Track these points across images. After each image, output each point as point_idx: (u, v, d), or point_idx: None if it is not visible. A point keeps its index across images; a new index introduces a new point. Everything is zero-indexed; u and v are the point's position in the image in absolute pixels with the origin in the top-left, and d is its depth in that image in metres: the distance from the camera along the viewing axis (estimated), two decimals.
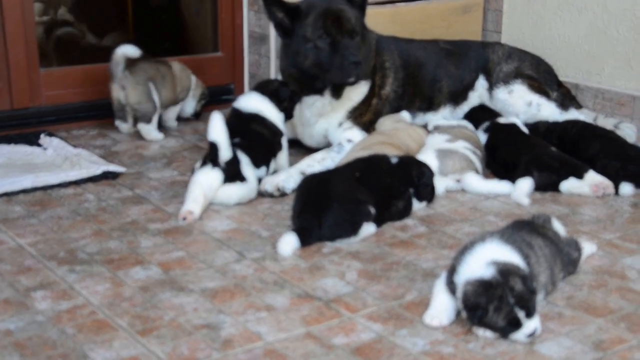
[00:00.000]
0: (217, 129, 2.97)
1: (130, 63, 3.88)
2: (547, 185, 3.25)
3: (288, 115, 3.47)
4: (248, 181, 3.10)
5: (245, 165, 3.10)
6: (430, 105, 3.84)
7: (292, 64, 3.49)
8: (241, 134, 3.20)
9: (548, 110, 3.78)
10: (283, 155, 3.41)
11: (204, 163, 3.04)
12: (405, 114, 3.64)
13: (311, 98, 3.55)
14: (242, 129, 3.24)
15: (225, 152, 3.00)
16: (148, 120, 3.92)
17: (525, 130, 3.59)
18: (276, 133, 3.36)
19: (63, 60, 4.59)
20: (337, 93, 3.54)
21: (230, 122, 3.16)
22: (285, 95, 3.42)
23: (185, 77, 4.13)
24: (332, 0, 3.47)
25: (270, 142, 3.32)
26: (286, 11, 3.44)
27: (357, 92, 3.59)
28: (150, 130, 3.93)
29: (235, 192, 3.07)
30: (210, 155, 3.01)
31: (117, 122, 4.00)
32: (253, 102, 3.37)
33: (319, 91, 3.52)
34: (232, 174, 3.05)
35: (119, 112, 3.96)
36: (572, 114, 3.79)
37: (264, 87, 3.44)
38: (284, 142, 3.41)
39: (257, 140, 3.25)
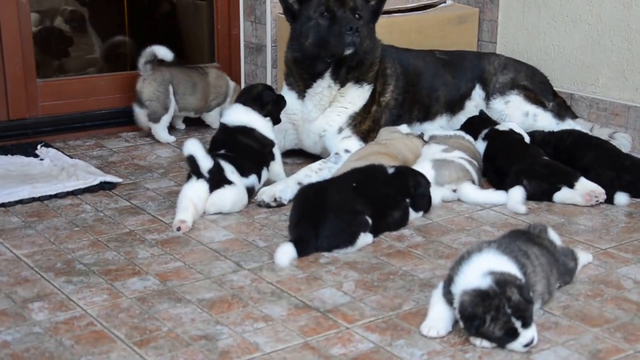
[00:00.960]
0: (189, 143, 3.00)
1: (160, 63, 4.01)
2: (539, 193, 3.27)
3: (274, 119, 3.42)
4: (236, 185, 3.10)
5: (230, 172, 3.10)
6: (427, 114, 3.87)
7: (297, 48, 3.54)
8: (227, 145, 3.22)
9: (545, 121, 3.80)
10: (276, 165, 3.40)
11: (188, 177, 3.07)
12: (404, 127, 3.65)
13: (314, 88, 3.57)
14: (228, 142, 3.25)
15: (204, 162, 3.01)
16: (156, 120, 4.00)
17: (523, 134, 3.60)
18: (265, 144, 3.33)
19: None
20: (337, 77, 3.54)
21: (218, 137, 3.26)
22: (268, 99, 3.38)
23: (222, 84, 4.21)
24: None
25: (259, 152, 3.31)
26: None
27: (359, 96, 3.61)
28: (157, 131, 4.02)
29: (226, 196, 3.08)
30: (191, 168, 3.03)
31: (134, 105, 4.06)
32: (237, 115, 3.34)
33: (321, 74, 3.54)
34: (217, 180, 3.06)
35: (139, 101, 4.05)
36: (569, 124, 3.81)
37: (246, 96, 3.41)
38: (276, 151, 3.40)
39: (243, 152, 3.23)
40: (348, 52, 3.43)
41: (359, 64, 3.55)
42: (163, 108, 4.00)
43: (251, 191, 3.22)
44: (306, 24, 3.49)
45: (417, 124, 3.83)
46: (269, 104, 3.38)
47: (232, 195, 3.09)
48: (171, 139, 4.06)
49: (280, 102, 3.45)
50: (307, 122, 3.66)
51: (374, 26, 3.62)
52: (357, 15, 3.47)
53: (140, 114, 4.05)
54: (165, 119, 4.03)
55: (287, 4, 3.55)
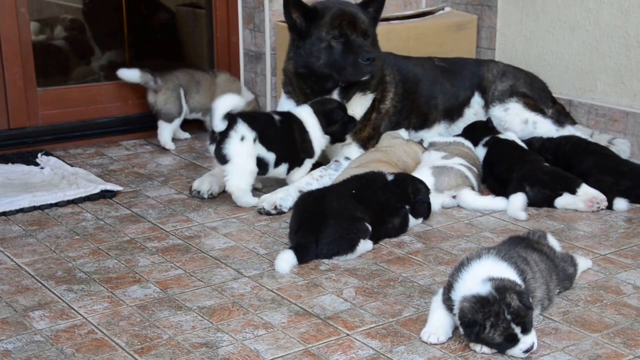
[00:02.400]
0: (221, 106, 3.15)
1: (165, 70, 4.15)
2: (541, 200, 3.27)
3: (335, 138, 3.48)
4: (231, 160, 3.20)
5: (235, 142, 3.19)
6: (425, 121, 3.87)
7: (302, 64, 3.54)
8: (278, 126, 3.34)
9: (544, 128, 3.81)
10: (297, 174, 3.40)
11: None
12: (403, 132, 3.66)
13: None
14: (283, 122, 3.37)
15: (217, 122, 3.15)
16: (169, 120, 4.12)
17: (523, 146, 3.61)
18: (305, 150, 3.38)
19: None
20: (345, 94, 3.56)
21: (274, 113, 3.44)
22: (337, 118, 3.43)
23: (232, 88, 4.22)
24: (347, 4, 3.55)
25: (294, 150, 3.36)
26: (303, 12, 3.51)
27: (362, 104, 3.62)
28: (165, 133, 4.11)
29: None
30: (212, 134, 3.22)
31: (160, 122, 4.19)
32: (304, 115, 3.41)
33: (329, 91, 3.55)
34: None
35: (157, 113, 4.17)
36: (568, 130, 3.81)
37: (318, 107, 3.45)
38: (307, 164, 3.42)
39: (285, 137, 3.34)
40: (365, 78, 3.48)
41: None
42: (177, 111, 4.12)
43: (263, 165, 3.27)
44: (317, 44, 3.47)
45: (415, 131, 3.83)
46: (336, 123, 3.44)
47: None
48: (172, 145, 4.09)
49: (348, 125, 3.48)
50: None
51: (375, 27, 3.63)
52: (367, 36, 3.49)
53: (162, 126, 4.14)
54: (177, 122, 4.14)
55: (293, 20, 3.53)
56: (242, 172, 3.22)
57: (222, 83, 4.26)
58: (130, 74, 4.10)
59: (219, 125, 3.16)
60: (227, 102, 3.16)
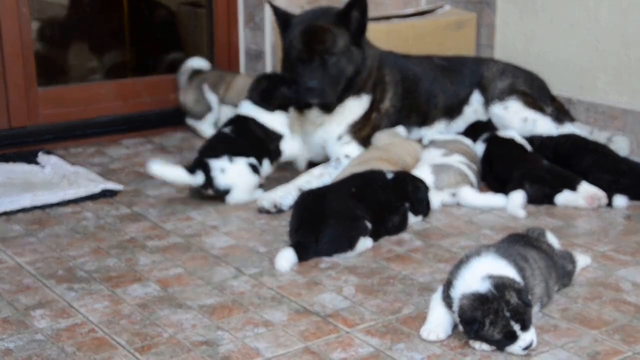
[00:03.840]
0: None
1: (195, 74, 4.30)
2: (541, 198, 3.28)
3: (288, 105, 3.48)
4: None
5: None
6: (425, 119, 3.87)
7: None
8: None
9: (544, 126, 3.81)
10: (289, 146, 3.46)
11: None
12: (401, 129, 3.67)
13: (309, 112, 3.60)
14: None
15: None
16: (200, 117, 4.24)
17: (524, 143, 3.61)
18: (270, 137, 3.42)
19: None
20: (338, 99, 3.56)
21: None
22: (275, 94, 3.43)
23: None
24: (322, 17, 3.52)
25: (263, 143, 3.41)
26: (279, 19, 3.59)
27: (358, 106, 3.62)
28: (201, 128, 4.24)
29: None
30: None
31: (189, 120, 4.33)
32: (245, 110, 3.47)
33: (309, 106, 3.56)
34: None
35: (188, 112, 4.31)
36: (568, 128, 3.82)
37: (253, 93, 3.48)
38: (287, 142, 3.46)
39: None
40: (311, 102, 3.49)
41: (350, 85, 3.54)
42: (206, 108, 4.22)
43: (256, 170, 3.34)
44: (285, 51, 3.54)
45: (416, 129, 3.84)
46: (275, 98, 3.48)
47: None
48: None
49: (288, 89, 3.49)
50: (306, 135, 3.66)
51: (361, 40, 3.56)
52: (332, 54, 3.44)
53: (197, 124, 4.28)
54: (210, 117, 4.24)
55: (277, 22, 3.61)
56: (246, 190, 3.31)
57: (238, 83, 4.24)
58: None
59: (194, 178, 3.26)
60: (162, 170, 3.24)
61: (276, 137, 3.44)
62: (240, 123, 3.41)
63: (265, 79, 3.50)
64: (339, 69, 3.49)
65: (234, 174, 3.26)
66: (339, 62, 3.48)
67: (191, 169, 3.25)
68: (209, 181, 3.26)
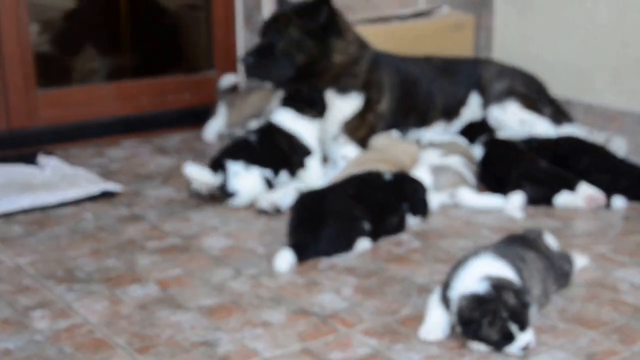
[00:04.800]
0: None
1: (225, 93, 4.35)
2: (540, 198, 3.29)
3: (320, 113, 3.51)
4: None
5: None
6: (423, 121, 3.87)
7: None
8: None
9: (542, 127, 3.81)
10: (307, 175, 3.43)
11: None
12: (394, 134, 3.67)
13: None
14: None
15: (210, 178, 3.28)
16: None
17: (521, 145, 3.62)
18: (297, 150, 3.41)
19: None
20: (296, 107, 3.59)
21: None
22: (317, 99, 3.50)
23: (264, 106, 4.25)
24: (292, 8, 3.62)
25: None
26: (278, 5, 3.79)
27: (346, 105, 3.63)
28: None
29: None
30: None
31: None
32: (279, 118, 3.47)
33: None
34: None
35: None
36: (566, 129, 3.83)
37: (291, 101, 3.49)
38: (310, 161, 3.43)
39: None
40: (249, 77, 3.65)
41: (307, 74, 3.57)
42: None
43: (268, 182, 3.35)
44: None
45: (414, 130, 3.85)
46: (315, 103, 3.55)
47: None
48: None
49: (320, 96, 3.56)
50: None
51: (326, 34, 3.59)
52: (273, 41, 3.54)
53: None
54: (214, 124, 4.27)
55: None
56: (251, 198, 3.32)
57: (253, 100, 4.27)
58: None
59: (212, 179, 3.28)
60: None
61: (302, 151, 3.41)
62: (268, 132, 3.40)
63: (305, 88, 3.52)
64: (285, 53, 3.56)
65: (245, 181, 3.27)
66: (285, 47, 3.56)
67: (213, 169, 3.29)
68: (224, 182, 3.28)
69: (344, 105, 3.63)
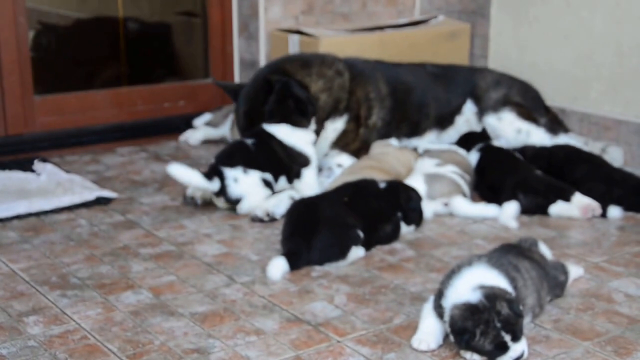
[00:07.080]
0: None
1: None
2: (534, 208, 3.29)
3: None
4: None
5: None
6: (416, 130, 3.86)
7: None
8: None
9: (537, 137, 3.82)
10: (302, 184, 3.41)
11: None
12: (393, 142, 3.67)
13: None
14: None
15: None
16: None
17: (516, 154, 3.63)
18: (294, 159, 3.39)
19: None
20: (318, 125, 3.57)
21: None
22: (309, 108, 3.45)
23: None
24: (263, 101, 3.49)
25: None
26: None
27: (332, 129, 3.64)
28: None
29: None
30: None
31: None
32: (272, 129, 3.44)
33: None
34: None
35: None
36: (562, 139, 3.83)
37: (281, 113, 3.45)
38: (306, 171, 3.41)
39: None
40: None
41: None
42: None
43: (268, 185, 3.34)
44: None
45: (406, 139, 3.84)
46: (307, 111, 3.52)
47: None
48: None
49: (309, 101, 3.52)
50: None
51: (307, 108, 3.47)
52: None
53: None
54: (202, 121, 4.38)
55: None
56: (257, 201, 3.30)
57: None
58: None
59: (210, 184, 3.27)
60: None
61: (300, 161, 3.39)
62: (264, 137, 3.38)
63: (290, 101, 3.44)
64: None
65: (246, 185, 3.26)
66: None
67: (208, 175, 3.26)
68: (223, 189, 3.26)
69: (329, 129, 3.63)
